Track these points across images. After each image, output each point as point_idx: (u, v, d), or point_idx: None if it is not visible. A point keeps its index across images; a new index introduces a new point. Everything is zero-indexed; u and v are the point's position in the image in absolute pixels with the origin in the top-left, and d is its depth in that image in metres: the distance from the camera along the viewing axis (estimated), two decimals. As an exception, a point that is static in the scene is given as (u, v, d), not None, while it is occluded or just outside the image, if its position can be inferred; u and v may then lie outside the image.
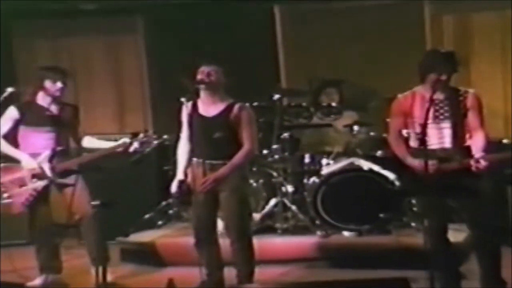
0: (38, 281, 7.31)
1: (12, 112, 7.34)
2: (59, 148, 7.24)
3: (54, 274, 7.44)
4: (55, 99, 7.33)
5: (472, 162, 6.00)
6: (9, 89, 7.14)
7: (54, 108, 7.35)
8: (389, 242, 7.82)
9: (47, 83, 7.30)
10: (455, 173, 6.05)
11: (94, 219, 7.02)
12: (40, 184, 7.23)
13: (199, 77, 6.73)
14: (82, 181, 7.24)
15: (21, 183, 7.25)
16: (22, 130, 7.32)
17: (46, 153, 7.23)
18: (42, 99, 7.34)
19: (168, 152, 8.94)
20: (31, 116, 7.31)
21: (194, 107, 6.79)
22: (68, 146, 7.39)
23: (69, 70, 7.65)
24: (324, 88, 9.05)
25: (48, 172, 7.21)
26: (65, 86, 7.35)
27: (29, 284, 7.06)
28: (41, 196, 7.29)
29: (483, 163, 5.98)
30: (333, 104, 8.93)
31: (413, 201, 7.79)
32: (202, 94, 6.77)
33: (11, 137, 7.38)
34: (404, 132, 6.31)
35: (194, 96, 6.76)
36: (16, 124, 7.32)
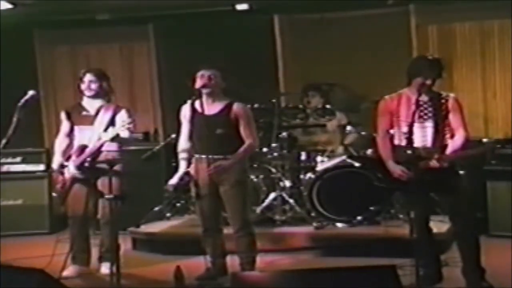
0: (71, 271, 7.24)
1: (62, 115, 7.44)
2: (82, 145, 7.16)
3: (83, 266, 7.33)
4: (92, 98, 7.27)
5: (434, 161, 6.02)
6: (31, 92, 7.09)
7: (93, 108, 7.27)
8: (378, 232, 7.80)
9: (81, 85, 7.30)
10: (436, 170, 6.04)
11: (110, 213, 6.99)
12: (66, 177, 7.21)
13: (201, 81, 6.72)
14: (116, 183, 7.08)
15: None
16: (74, 130, 7.32)
17: (74, 150, 7.23)
18: (84, 100, 7.32)
19: (176, 150, 8.93)
20: (76, 116, 7.31)
21: (195, 107, 6.78)
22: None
23: (104, 72, 7.48)
24: (307, 91, 9.03)
25: (72, 168, 7.14)
26: (95, 86, 7.24)
27: (64, 274, 6.99)
28: (70, 189, 7.23)
29: (442, 162, 6.03)
30: (315, 105, 8.91)
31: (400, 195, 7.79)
32: (204, 96, 6.75)
33: (71, 137, 7.38)
34: (391, 131, 6.30)
35: (198, 98, 6.74)
36: (68, 124, 7.35)
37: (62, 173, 7.25)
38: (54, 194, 7.45)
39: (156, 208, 8.94)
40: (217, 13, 9.88)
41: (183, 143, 6.95)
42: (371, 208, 8.05)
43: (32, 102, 7.17)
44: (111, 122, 7.17)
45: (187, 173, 6.86)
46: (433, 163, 6.04)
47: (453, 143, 6.13)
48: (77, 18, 10.03)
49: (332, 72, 9.53)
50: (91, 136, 7.13)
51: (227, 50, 9.61)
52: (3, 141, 7.02)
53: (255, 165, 8.38)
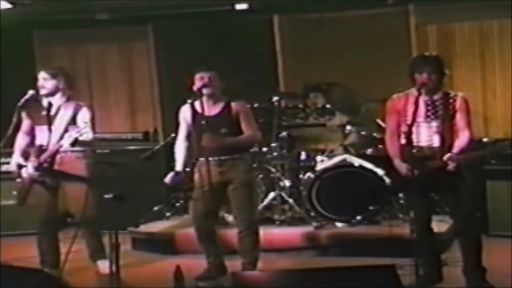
0: None
1: (22, 114, 7.21)
2: (39, 145, 7.04)
3: (52, 269, 7.10)
4: (48, 97, 7.10)
5: (444, 161, 6.02)
6: (30, 92, 7.08)
7: (51, 107, 7.10)
8: (378, 232, 7.80)
9: (37, 83, 7.13)
10: (438, 170, 6.04)
11: (91, 214, 6.97)
12: (25, 179, 7.08)
13: (201, 82, 6.75)
14: (81, 185, 7.07)
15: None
16: (34, 129, 7.18)
17: (33, 149, 7.09)
18: (44, 99, 7.14)
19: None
20: (35, 115, 7.13)
21: (195, 108, 6.81)
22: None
23: (60, 70, 7.33)
24: (309, 93, 9.03)
25: (31, 169, 7.03)
26: (49, 85, 7.06)
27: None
28: (29, 190, 7.11)
29: (450, 163, 6.02)
30: (319, 105, 8.92)
31: (400, 195, 7.78)
32: (205, 97, 6.78)
33: (31, 136, 7.22)
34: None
35: (197, 98, 6.76)
36: (29, 123, 7.19)
37: (20, 173, 7.11)
38: (14, 193, 7.32)
39: (156, 208, 8.94)
40: (216, 13, 9.88)
41: (180, 143, 6.99)
42: (371, 207, 8.04)
43: (32, 102, 7.16)
44: (72, 121, 7.05)
45: (178, 173, 6.91)
46: (441, 163, 6.04)
47: (459, 143, 6.12)
48: (76, 18, 10.02)
49: (331, 71, 9.54)
50: (50, 136, 7.02)
51: (227, 50, 9.62)
52: (3, 141, 7.04)
53: (254, 165, 8.37)
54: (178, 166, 6.96)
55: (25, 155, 7.15)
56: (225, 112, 6.79)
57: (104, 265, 7.12)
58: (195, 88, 6.76)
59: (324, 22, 9.78)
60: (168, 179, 7.00)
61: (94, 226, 7.12)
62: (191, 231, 7.71)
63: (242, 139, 6.81)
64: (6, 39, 9.70)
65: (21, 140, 7.22)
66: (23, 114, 7.21)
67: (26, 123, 7.22)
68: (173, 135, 8.88)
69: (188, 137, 6.93)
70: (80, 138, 6.75)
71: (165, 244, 8.22)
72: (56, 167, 7.03)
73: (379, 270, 4.81)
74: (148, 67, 10.60)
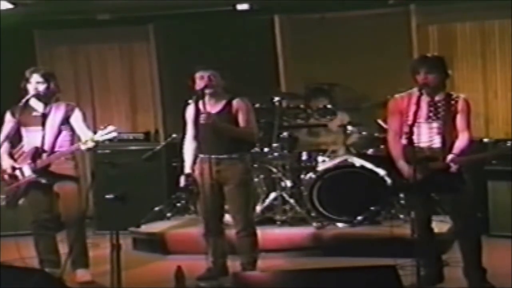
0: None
1: (7, 117, 7.12)
2: (35, 148, 6.94)
3: (54, 268, 7.02)
4: (40, 99, 6.99)
5: (446, 161, 6.02)
6: (32, 92, 7.03)
7: (42, 108, 6.99)
8: (379, 232, 7.79)
9: (28, 85, 6.99)
10: (439, 170, 6.03)
11: (78, 215, 6.94)
12: (21, 181, 7.01)
13: (202, 82, 6.77)
14: (72, 184, 7.05)
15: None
16: (21, 131, 7.09)
17: (27, 152, 7.02)
18: (32, 100, 7.02)
19: (176, 150, 8.91)
20: (24, 117, 7.01)
21: (199, 107, 6.80)
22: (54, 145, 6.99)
23: (51, 72, 7.26)
24: (310, 93, 9.02)
25: (27, 171, 6.97)
26: (42, 88, 6.93)
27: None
28: (24, 192, 7.04)
29: (452, 165, 6.01)
30: (320, 106, 8.90)
31: (401, 195, 7.78)
32: (207, 96, 6.80)
33: (18, 138, 7.13)
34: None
35: (200, 98, 6.76)
36: (15, 126, 7.05)
37: (15, 176, 7.02)
38: (2, 196, 7.21)
39: (157, 208, 8.94)
40: (217, 13, 9.87)
41: (188, 143, 6.98)
42: (372, 208, 8.05)
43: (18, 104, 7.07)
44: (65, 122, 7.01)
45: (188, 175, 6.89)
46: (443, 165, 6.03)
47: (459, 145, 6.12)
48: (77, 18, 10.01)
49: (332, 72, 9.52)
50: (43, 137, 6.93)
51: (228, 50, 9.61)
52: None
53: (255, 165, 8.37)
54: (188, 168, 6.94)
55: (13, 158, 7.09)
56: (226, 110, 6.81)
57: (82, 274, 7.06)
58: (196, 87, 6.78)
59: (325, 22, 9.76)
60: (182, 182, 6.97)
61: (80, 228, 7.06)
62: (193, 231, 7.74)
63: (238, 131, 6.80)
64: (7, 39, 9.69)
65: (7, 143, 7.11)
66: (8, 117, 7.11)
67: (11, 126, 7.07)
68: (174, 135, 8.92)
69: (196, 136, 6.91)
70: (102, 139, 6.71)
71: (166, 244, 8.22)
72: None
73: (380, 271, 4.81)
74: (149, 67, 10.59)
